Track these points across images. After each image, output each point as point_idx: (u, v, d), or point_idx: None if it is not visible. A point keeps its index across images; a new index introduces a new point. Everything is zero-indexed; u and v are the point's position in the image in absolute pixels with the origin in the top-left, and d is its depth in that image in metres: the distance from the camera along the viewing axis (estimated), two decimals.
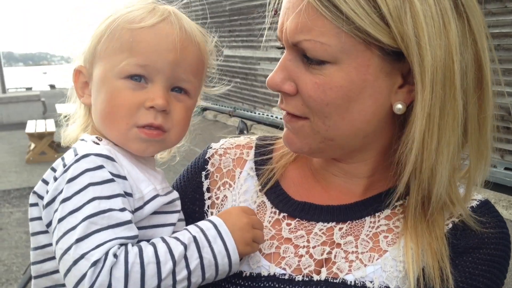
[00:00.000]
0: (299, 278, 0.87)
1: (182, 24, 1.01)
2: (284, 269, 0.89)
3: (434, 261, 0.82)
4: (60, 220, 0.77)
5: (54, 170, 0.87)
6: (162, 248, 0.77)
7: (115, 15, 0.92)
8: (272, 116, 11.22)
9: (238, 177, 1.02)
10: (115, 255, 0.73)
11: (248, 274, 0.89)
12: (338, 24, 0.73)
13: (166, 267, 0.75)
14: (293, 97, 0.83)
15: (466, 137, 0.81)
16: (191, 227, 0.84)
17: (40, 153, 9.29)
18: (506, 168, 6.32)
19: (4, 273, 4.80)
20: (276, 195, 0.97)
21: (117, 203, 0.79)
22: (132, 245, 0.77)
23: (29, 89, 29.24)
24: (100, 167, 0.81)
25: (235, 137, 1.11)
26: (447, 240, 0.85)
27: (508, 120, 6.15)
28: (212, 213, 1.01)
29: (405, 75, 0.78)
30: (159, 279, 0.74)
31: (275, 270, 0.89)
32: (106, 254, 0.73)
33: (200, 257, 0.79)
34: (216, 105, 14.61)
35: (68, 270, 0.73)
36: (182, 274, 0.77)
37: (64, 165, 0.84)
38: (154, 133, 0.89)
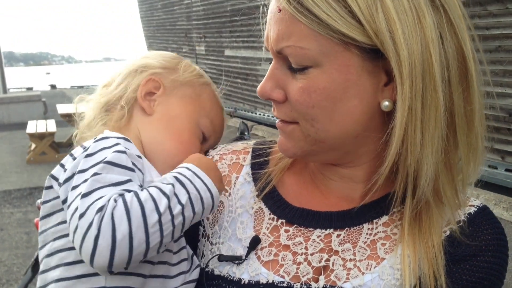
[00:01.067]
0: (298, 286, 0.87)
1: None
2: (283, 276, 0.89)
3: (430, 270, 0.82)
4: (74, 187, 0.83)
5: (72, 156, 0.91)
6: (153, 189, 0.82)
7: (179, 60, 1.12)
8: (273, 116, 11.23)
9: (235, 183, 1.02)
10: (115, 200, 0.79)
11: (246, 282, 0.89)
12: (314, 27, 0.75)
13: (162, 202, 0.80)
14: (282, 104, 0.84)
15: (455, 131, 0.80)
16: (168, 174, 0.89)
17: (41, 154, 9.27)
18: (506, 170, 6.32)
19: (4, 273, 4.79)
20: (274, 201, 0.96)
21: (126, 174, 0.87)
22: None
23: (29, 89, 29.29)
24: (117, 144, 0.89)
25: (232, 142, 1.11)
26: (444, 248, 0.85)
27: (509, 122, 6.15)
28: (208, 219, 1.01)
29: (389, 73, 0.78)
30: (159, 214, 0.79)
31: (273, 278, 0.89)
32: (108, 201, 0.78)
33: (187, 192, 0.84)
34: None
35: (77, 226, 0.78)
36: (177, 208, 0.82)
37: (84, 147, 0.90)
38: None
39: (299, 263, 0.89)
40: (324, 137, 0.83)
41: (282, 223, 0.93)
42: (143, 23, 21.91)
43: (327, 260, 0.88)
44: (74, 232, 0.78)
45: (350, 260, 0.87)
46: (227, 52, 13.59)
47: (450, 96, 0.78)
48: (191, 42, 16.50)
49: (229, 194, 1.01)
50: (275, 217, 0.94)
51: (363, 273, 0.85)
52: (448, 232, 0.87)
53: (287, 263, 0.89)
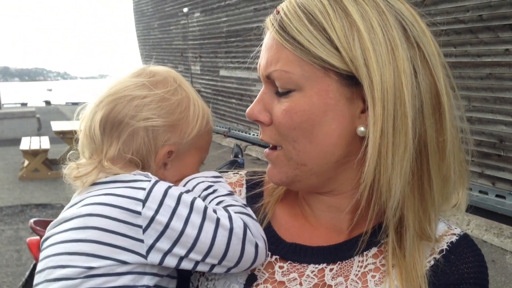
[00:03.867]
0: None
1: None
2: None
3: None
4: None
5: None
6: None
7: (201, 108, 1.09)
8: None
9: None
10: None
11: None
12: (298, 54, 0.82)
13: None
14: (268, 127, 0.89)
15: (428, 160, 0.84)
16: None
17: (34, 170, 9.23)
18: (497, 196, 6.36)
19: None
20: (268, 236, 0.96)
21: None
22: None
23: (24, 104, 29.23)
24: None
25: (222, 171, 1.11)
26: (428, 278, 0.87)
27: (500, 148, 6.21)
28: None
29: (365, 100, 0.82)
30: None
31: None
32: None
33: None
34: None
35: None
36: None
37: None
38: None
39: None
40: (305, 159, 0.87)
41: (276, 259, 0.94)
42: (139, 42, 22.06)
43: None
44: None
45: None
46: (222, 73, 13.68)
47: (422, 125, 0.82)
48: (186, 62, 16.61)
49: None
50: (269, 253, 0.95)
51: None
52: (432, 262, 0.89)
53: None
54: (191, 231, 0.84)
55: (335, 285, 0.89)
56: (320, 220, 0.96)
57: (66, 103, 31.92)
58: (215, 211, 0.88)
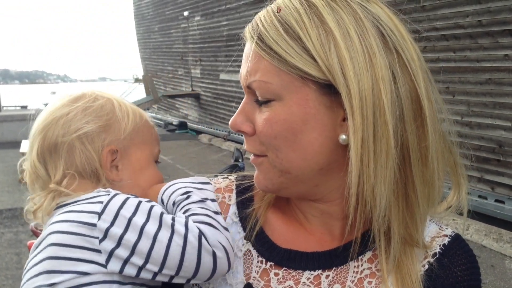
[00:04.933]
0: None
1: None
2: None
3: None
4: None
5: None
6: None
7: (106, 110, 1.08)
8: None
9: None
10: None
11: None
12: (276, 63, 0.82)
13: None
14: (251, 137, 0.89)
15: (411, 166, 0.84)
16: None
17: None
18: (496, 200, 6.36)
19: None
20: (262, 242, 0.95)
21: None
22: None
23: (24, 107, 29.22)
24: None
25: (211, 176, 1.10)
26: (423, 283, 0.87)
27: (499, 153, 6.22)
28: None
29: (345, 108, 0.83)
30: None
31: None
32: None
33: None
34: (211, 128, 14.66)
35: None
36: None
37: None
38: None
39: None
40: (289, 168, 0.86)
41: (271, 266, 0.93)
42: (139, 45, 22.09)
43: None
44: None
45: None
46: (222, 76, 13.70)
47: (404, 132, 0.82)
48: (186, 65, 16.63)
49: None
50: (264, 260, 0.93)
51: None
52: (426, 266, 0.89)
53: None
54: (145, 242, 0.84)
55: None
56: (314, 225, 0.95)
57: None
58: (173, 219, 0.88)
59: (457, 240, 0.93)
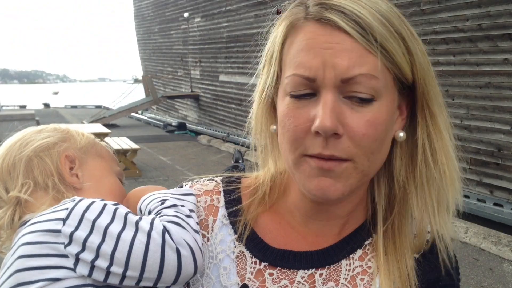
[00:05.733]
0: None
1: None
2: None
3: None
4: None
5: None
6: None
7: (60, 129, 1.16)
8: None
9: (212, 227, 0.98)
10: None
11: None
12: (383, 60, 0.79)
13: None
14: (339, 140, 0.79)
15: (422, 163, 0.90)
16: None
17: None
18: (495, 204, 6.36)
19: None
20: (254, 243, 0.95)
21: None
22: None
23: (23, 107, 29.22)
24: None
25: (196, 179, 1.08)
26: (416, 272, 0.90)
27: (498, 156, 6.22)
28: None
29: (400, 107, 0.87)
30: None
31: None
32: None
33: None
34: (210, 130, 14.66)
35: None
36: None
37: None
38: None
39: None
40: (370, 170, 0.84)
41: (265, 266, 0.93)
42: (139, 46, 22.11)
43: None
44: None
45: None
46: (222, 78, 13.71)
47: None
48: (186, 66, 16.64)
49: (207, 239, 0.97)
50: (257, 261, 0.93)
51: None
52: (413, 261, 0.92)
53: None
54: (109, 243, 0.83)
55: None
56: (310, 228, 0.95)
57: (65, 106, 31.89)
58: (140, 218, 0.88)
59: (437, 235, 0.95)
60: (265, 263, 0.93)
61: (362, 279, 0.91)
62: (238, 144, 12.04)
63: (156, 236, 0.85)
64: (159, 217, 0.90)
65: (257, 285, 0.91)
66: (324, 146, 0.79)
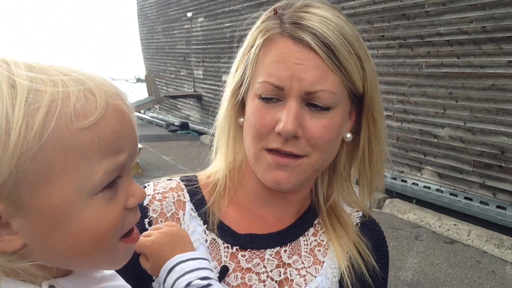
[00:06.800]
0: None
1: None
2: None
3: (354, 249, 1.08)
4: None
5: None
6: None
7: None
8: None
9: (183, 219, 1.07)
10: None
11: None
12: (341, 77, 0.94)
13: None
14: (297, 140, 0.95)
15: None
16: None
17: None
18: (498, 207, 6.34)
19: None
20: (223, 231, 1.06)
21: None
22: None
23: None
24: None
25: (155, 180, 1.14)
26: (360, 234, 1.12)
27: (501, 159, 6.20)
28: None
29: (350, 112, 1.04)
30: None
31: None
32: None
33: None
34: (213, 129, 14.65)
35: None
36: None
37: None
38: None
39: (264, 281, 1.04)
40: (321, 166, 1.02)
41: (237, 249, 1.05)
42: (142, 45, 22.12)
43: (285, 273, 1.05)
44: None
45: (302, 268, 1.07)
46: (225, 78, 13.67)
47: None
48: (189, 66, 16.65)
49: None
50: (229, 245, 1.05)
51: (315, 276, 1.06)
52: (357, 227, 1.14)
53: (254, 283, 1.03)
54: None
55: (293, 262, 1.06)
56: (269, 212, 1.10)
57: None
58: None
59: (369, 217, 1.18)
60: (237, 247, 1.05)
61: (319, 250, 1.09)
62: None
63: None
64: None
65: (233, 266, 1.03)
66: (284, 143, 0.95)
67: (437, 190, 7.16)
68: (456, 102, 6.67)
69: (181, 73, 17.59)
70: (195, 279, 0.86)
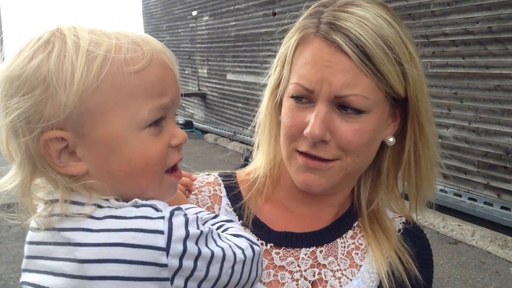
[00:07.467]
0: None
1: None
2: None
3: (395, 256, 1.04)
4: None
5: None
6: None
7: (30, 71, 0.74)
8: None
9: (218, 213, 1.05)
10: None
11: None
12: (376, 82, 0.91)
13: None
14: (326, 144, 0.94)
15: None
16: None
17: None
18: (502, 207, 6.32)
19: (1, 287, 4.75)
20: (259, 227, 1.05)
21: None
22: None
23: None
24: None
25: (200, 176, 1.15)
26: (402, 242, 1.08)
27: (506, 160, 6.18)
28: None
29: (394, 115, 1.01)
30: None
31: None
32: None
33: None
34: (217, 128, 14.67)
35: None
36: None
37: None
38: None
39: (297, 280, 1.02)
40: (355, 170, 0.99)
41: (271, 246, 1.04)
42: None
43: (319, 273, 1.03)
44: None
45: (338, 270, 1.04)
46: (229, 76, 13.71)
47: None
48: (194, 65, 16.66)
49: None
50: (264, 242, 1.04)
51: (350, 280, 1.04)
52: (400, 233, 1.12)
53: (287, 281, 1.02)
54: (213, 273, 0.80)
55: (328, 264, 1.04)
56: (307, 212, 1.09)
57: None
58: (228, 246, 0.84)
59: (413, 223, 1.15)
60: (271, 244, 1.04)
61: (356, 253, 1.07)
62: (244, 143, 12.06)
63: (249, 255, 0.85)
64: (227, 233, 0.89)
65: (266, 263, 1.02)
66: (312, 147, 0.94)
67: (441, 190, 7.15)
68: (461, 102, 6.65)
69: (186, 72, 17.61)
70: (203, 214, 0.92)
